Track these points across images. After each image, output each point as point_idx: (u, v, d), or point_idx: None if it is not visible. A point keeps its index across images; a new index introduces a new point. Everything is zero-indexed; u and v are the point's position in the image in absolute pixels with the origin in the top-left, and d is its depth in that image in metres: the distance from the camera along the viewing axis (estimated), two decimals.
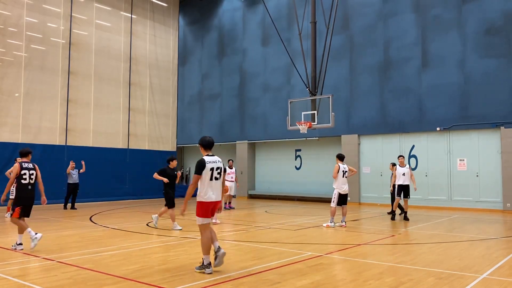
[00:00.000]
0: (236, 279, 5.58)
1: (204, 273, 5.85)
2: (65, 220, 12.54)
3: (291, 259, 6.88)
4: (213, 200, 6.12)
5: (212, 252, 5.99)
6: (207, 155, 6.22)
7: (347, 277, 5.82)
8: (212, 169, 6.08)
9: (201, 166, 6.04)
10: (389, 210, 13.81)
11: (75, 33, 19.40)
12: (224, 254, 5.96)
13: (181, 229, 10.25)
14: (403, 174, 12.46)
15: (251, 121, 22.47)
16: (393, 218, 12.58)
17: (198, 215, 6.11)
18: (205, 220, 6.08)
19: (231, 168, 16.29)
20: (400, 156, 13.06)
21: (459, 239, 9.03)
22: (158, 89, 23.12)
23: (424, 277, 5.78)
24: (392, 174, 13.22)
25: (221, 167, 6.22)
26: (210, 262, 5.93)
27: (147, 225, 11.28)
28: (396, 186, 12.50)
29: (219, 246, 6.01)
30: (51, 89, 18.41)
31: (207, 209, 6.11)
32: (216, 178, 6.15)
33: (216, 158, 6.23)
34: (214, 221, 11.37)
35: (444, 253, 7.50)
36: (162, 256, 7.05)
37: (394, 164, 13.52)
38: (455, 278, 5.69)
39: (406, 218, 12.35)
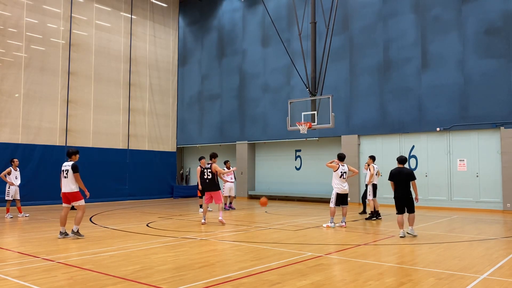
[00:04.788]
0: (236, 279, 5.58)
1: (79, 237, 8.85)
2: None
3: (291, 259, 6.88)
4: (63, 191, 9.01)
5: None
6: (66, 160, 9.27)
7: (347, 277, 5.82)
8: (62, 171, 9.05)
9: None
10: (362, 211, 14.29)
11: (75, 33, 19.40)
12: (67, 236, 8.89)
13: (416, 235, 9.28)
14: (376, 174, 12.99)
15: (251, 122, 22.48)
16: (377, 217, 12.64)
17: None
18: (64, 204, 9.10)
19: (229, 169, 16.24)
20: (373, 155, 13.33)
21: (459, 240, 9.03)
22: (158, 90, 23.12)
23: (424, 277, 5.77)
24: (369, 172, 12.80)
25: (67, 169, 8.92)
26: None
27: (147, 225, 11.28)
28: (372, 186, 12.69)
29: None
30: (51, 89, 18.41)
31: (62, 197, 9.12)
32: (65, 177, 8.96)
33: (67, 163, 9.03)
34: (220, 219, 11.31)
35: (444, 254, 7.50)
36: (162, 257, 7.05)
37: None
38: (455, 279, 5.69)
39: (376, 217, 12.63)
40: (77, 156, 9.26)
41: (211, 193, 11.45)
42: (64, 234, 8.96)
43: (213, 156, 11.84)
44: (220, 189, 11.66)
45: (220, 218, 11.34)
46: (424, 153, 17.10)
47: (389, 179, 9.58)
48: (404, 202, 9.31)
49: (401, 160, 9.62)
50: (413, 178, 9.32)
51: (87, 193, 9.09)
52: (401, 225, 9.37)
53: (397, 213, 9.43)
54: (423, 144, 17.14)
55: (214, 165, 11.59)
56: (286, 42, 19.99)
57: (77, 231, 8.98)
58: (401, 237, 9.23)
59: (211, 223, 11.62)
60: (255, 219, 13.28)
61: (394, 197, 9.41)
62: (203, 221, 11.51)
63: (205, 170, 11.62)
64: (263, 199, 12.10)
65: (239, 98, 23.15)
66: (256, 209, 16.58)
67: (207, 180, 11.52)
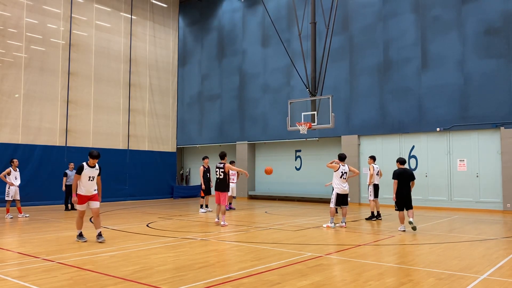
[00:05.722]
0: (236, 279, 5.58)
1: (79, 241, 8.54)
2: (65, 221, 12.54)
3: (291, 259, 6.88)
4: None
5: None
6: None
7: (347, 277, 5.81)
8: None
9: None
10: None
11: (75, 34, 19.40)
12: (102, 241, 8.45)
13: (416, 227, 10.13)
14: (377, 174, 13.00)
15: (251, 122, 22.48)
16: (377, 218, 12.63)
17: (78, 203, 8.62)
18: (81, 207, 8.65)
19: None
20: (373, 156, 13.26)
21: (459, 240, 9.03)
22: (158, 90, 23.12)
23: (424, 277, 5.77)
24: (369, 173, 12.79)
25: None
26: (81, 232, 8.72)
27: (147, 225, 11.29)
28: (373, 186, 12.69)
29: (100, 233, 8.59)
30: (51, 90, 18.41)
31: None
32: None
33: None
34: (222, 223, 11.23)
35: (444, 254, 7.50)
36: (162, 257, 7.05)
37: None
38: (455, 279, 5.69)
39: (378, 218, 12.67)
40: (91, 161, 8.55)
41: (220, 193, 11.40)
42: (98, 235, 8.58)
43: (225, 155, 11.78)
44: (228, 191, 11.60)
45: (222, 223, 11.23)
46: (424, 153, 17.09)
47: (394, 178, 10.32)
48: (405, 200, 10.21)
49: (403, 161, 10.63)
50: (414, 178, 10.39)
51: (73, 197, 8.52)
52: (402, 220, 10.34)
53: (398, 210, 10.34)
54: (423, 144, 17.14)
55: (227, 164, 11.48)
56: (286, 42, 19.99)
57: (98, 234, 8.56)
58: (402, 231, 10.19)
59: (211, 223, 11.62)
60: (255, 219, 13.28)
61: (397, 195, 10.20)
62: (216, 220, 11.44)
63: (217, 170, 11.54)
64: (268, 168, 12.26)
65: (239, 98, 23.15)
66: (256, 210, 16.58)
67: (218, 180, 11.43)
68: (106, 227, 10.93)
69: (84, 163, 8.52)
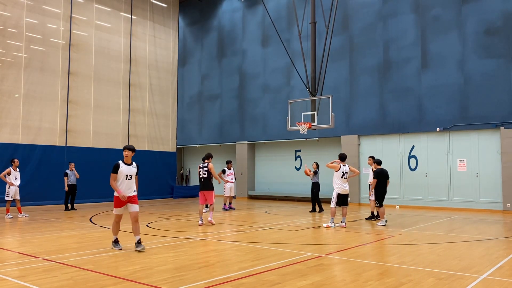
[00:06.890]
0: (236, 279, 5.58)
1: (114, 249, 7.63)
2: (65, 221, 12.54)
3: (291, 259, 6.88)
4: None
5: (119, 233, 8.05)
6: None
7: (347, 277, 5.81)
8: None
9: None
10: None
11: (75, 34, 19.39)
12: (141, 249, 7.47)
13: (385, 224, 11.23)
14: None
15: (251, 122, 22.48)
16: (377, 218, 12.56)
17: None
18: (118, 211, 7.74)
19: (230, 169, 16.24)
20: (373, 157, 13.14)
21: (459, 240, 9.03)
22: (158, 90, 23.11)
23: (424, 277, 5.77)
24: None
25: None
26: (117, 239, 7.79)
27: (147, 225, 11.29)
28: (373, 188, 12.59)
29: (139, 240, 7.63)
30: (51, 90, 18.40)
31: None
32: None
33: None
34: (209, 219, 11.28)
35: (444, 254, 7.50)
36: (162, 257, 7.05)
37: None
38: (455, 279, 5.69)
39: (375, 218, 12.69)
40: (124, 154, 7.79)
41: (205, 193, 11.41)
42: (137, 243, 7.63)
43: (210, 156, 11.81)
44: (213, 189, 11.55)
45: (209, 218, 11.30)
46: (424, 153, 17.09)
47: (377, 177, 11.44)
48: (384, 197, 11.47)
49: (380, 162, 11.97)
50: (389, 177, 11.78)
51: (120, 194, 7.52)
52: (383, 215, 11.41)
53: (380, 206, 11.43)
54: (423, 144, 17.14)
55: (211, 164, 11.52)
56: (286, 42, 19.99)
57: (137, 241, 7.59)
58: (384, 225, 11.17)
59: (210, 224, 11.62)
60: (255, 219, 13.28)
61: (381, 192, 11.34)
62: (200, 222, 11.41)
63: (201, 170, 11.51)
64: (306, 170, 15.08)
65: (239, 98, 23.14)
66: (256, 210, 16.58)
67: (203, 179, 11.42)
68: (107, 227, 10.93)
69: (120, 161, 7.74)
